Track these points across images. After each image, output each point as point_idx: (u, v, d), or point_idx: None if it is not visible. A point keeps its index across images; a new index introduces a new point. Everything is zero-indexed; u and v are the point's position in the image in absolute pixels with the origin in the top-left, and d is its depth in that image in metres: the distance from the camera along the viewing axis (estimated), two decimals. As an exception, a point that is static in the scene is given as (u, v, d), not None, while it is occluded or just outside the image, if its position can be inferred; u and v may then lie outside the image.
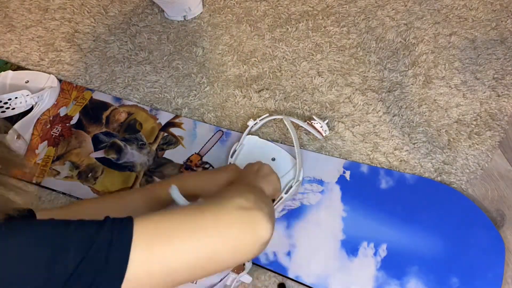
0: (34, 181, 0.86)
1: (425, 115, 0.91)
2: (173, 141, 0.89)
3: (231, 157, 0.83)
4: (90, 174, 0.87)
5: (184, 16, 1.03)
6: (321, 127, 0.85)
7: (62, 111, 0.93)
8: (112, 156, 0.88)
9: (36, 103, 0.90)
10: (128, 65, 0.98)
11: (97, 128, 0.91)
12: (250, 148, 0.85)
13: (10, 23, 1.04)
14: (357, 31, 1.01)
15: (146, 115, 0.92)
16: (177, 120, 0.91)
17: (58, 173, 0.87)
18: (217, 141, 0.89)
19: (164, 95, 0.94)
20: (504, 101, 0.92)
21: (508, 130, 0.90)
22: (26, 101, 0.88)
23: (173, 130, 0.90)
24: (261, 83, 0.95)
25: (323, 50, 0.99)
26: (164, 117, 0.92)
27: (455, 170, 0.85)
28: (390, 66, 0.97)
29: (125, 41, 1.01)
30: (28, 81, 0.92)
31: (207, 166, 0.86)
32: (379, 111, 0.92)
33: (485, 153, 0.87)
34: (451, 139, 0.89)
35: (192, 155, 0.87)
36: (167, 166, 0.87)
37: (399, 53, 0.98)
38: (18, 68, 0.97)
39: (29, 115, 0.89)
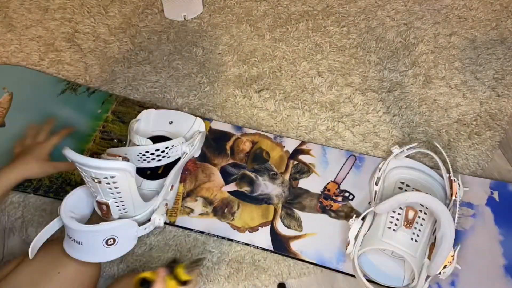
0: (167, 221, 0.80)
1: (425, 115, 0.91)
2: (305, 170, 0.85)
3: (376, 184, 0.79)
4: (226, 210, 0.81)
5: (184, 16, 1.03)
6: (458, 189, 0.78)
7: None
8: (245, 188, 0.83)
9: (187, 152, 0.82)
10: (128, 65, 0.98)
11: (223, 160, 0.86)
12: (390, 182, 0.80)
13: (10, 23, 1.04)
14: (357, 31, 1.01)
15: (270, 143, 0.88)
16: (304, 147, 0.87)
17: (192, 210, 0.81)
18: (351, 167, 0.85)
19: (164, 95, 0.94)
20: (504, 101, 0.92)
21: (508, 130, 0.90)
22: (181, 149, 0.80)
23: (303, 157, 0.86)
24: (261, 83, 0.95)
25: (323, 50, 0.99)
26: (290, 144, 0.88)
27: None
28: (390, 66, 0.97)
29: (125, 41, 1.01)
30: (172, 122, 0.85)
31: (346, 194, 0.82)
32: (379, 111, 0.92)
33: (485, 153, 0.87)
34: (451, 139, 0.89)
35: (328, 183, 0.83)
36: (305, 196, 0.82)
37: (399, 53, 0.98)
38: (125, 100, 0.93)
39: (180, 163, 0.81)
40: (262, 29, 1.02)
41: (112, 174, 0.62)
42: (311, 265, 0.78)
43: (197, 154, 0.86)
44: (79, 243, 0.66)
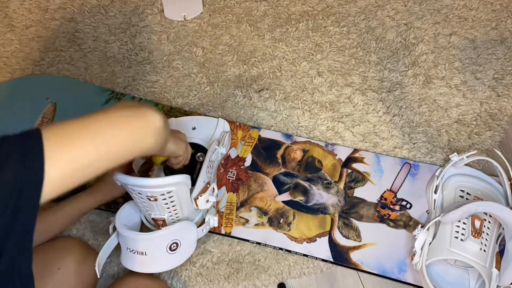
0: (223, 232, 0.80)
1: (425, 115, 0.91)
2: (359, 178, 0.84)
3: (435, 193, 0.78)
4: (282, 220, 0.80)
5: (184, 16, 1.03)
6: None
7: (233, 153, 0.86)
8: (300, 198, 0.82)
9: (224, 152, 0.83)
10: (128, 65, 0.98)
11: (275, 169, 0.84)
12: (450, 190, 0.79)
13: (10, 23, 1.04)
14: (357, 31, 1.01)
15: (322, 151, 0.86)
16: (357, 155, 0.86)
17: (247, 221, 0.80)
18: (406, 175, 0.84)
19: (164, 95, 0.94)
20: (504, 101, 0.92)
21: (508, 130, 0.90)
22: (220, 152, 0.80)
23: (356, 165, 0.85)
24: (261, 83, 0.95)
25: (323, 50, 0.99)
26: (342, 152, 0.86)
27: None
28: (390, 66, 0.97)
29: (125, 41, 1.01)
30: (195, 128, 0.84)
31: (404, 203, 0.82)
32: (379, 111, 0.92)
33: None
34: (451, 139, 0.89)
35: (384, 192, 0.82)
36: (362, 205, 0.81)
37: (399, 53, 0.98)
38: (171, 109, 0.92)
39: (206, 160, 0.77)
40: (262, 29, 1.02)
41: (170, 190, 0.62)
42: (311, 265, 0.78)
43: (225, 152, 0.84)
44: (142, 254, 0.65)
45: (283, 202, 0.82)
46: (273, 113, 0.92)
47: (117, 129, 0.48)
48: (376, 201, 0.82)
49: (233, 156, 0.86)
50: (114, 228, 0.69)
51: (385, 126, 0.90)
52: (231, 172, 0.85)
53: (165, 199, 0.63)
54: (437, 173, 0.80)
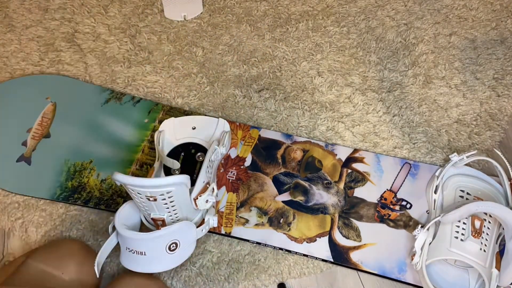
0: (223, 232, 0.79)
1: (425, 115, 0.91)
2: (359, 178, 0.84)
3: (435, 193, 0.78)
4: (282, 220, 0.80)
5: (184, 16, 1.03)
6: None
7: (232, 153, 0.86)
8: (300, 198, 0.82)
9: (224, 152, 0.83)
10: (128, 65, 0.98)
11: (275, 169, 0.84)
12: (450, 191, 0.79)
13: (10, 23, 1.04)
14: (357, 31, 1.01)
15: (322, 151, 0.86)
16: (357, 155, 0.86)
17: (247, 221, 0.80)
18: (406, 175, 0.83)
19: (164, 95, 0.94)
20: (504, 101, 0.92)
21: (508, 130, 0.90)
22: (220, 152, 0.81)
23: (356, 165, 0.85)
24: (261, 83, 0.95)
25: (323, 50, 0.99)
26: (342, 152, 0.86)
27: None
28: (390, 66, 0.97)
29: (125, 41, 1.01)
30: (195, 127, 0.85)
31: (404, 203, 0.81)
32: (379, 111, 0.92)
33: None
34: (451, 139, 0.89)
35: (384, 192, 0.82)
36: (361, 205, 0.81)
37: (399, 53, 0.98)
38: (171, 109, 0.92)
39: (206, 159, 0.78)
40: (262, 29, 1.02)
41: (169, 190, 0.62)
42: (311, 265, 0.78)
43: (225, 152, 0.84)
44: (142, 254, 0.65)
45: (283, 202, 0.82)
46: (273, 113, 0.92)
47: None
48: (376, 201, 0.82)
49: (233, 156, 0.86)
50: (114, 228, 0.69)
51: (385, 126, 0.90)
52: (231, 172, 0.85)
53: (164, 199, 0.63)
54: (437, 173, 0.80)
